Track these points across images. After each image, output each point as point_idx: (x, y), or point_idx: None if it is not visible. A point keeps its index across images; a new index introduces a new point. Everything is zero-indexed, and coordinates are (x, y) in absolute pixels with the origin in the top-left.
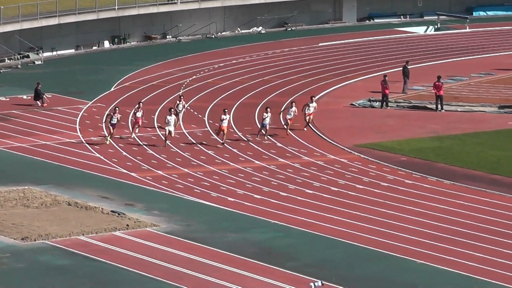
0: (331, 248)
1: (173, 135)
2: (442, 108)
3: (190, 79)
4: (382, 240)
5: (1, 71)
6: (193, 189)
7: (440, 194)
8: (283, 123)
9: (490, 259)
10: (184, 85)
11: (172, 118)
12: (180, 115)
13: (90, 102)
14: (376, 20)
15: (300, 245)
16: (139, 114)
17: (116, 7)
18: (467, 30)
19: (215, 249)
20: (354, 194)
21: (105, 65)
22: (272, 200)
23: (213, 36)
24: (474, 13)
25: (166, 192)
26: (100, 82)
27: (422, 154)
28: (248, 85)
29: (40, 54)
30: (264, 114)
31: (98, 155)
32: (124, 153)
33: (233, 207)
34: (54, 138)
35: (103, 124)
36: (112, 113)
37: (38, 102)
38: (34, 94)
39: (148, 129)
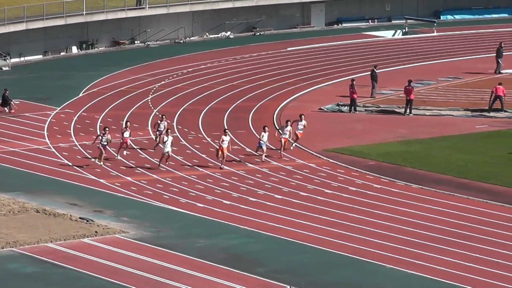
0: (301, 253)
1: (170, 155)
2: (410, 112)
3: (159, 84)
4: (351, 245)
5: None
6: (162, 195)
7: (408, 198)
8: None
9: (458, 263)
10: (152, 91)
11: (169, 139)
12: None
13: (58, 108)
14: (344, 25)
15: (269, 250)
16: (126, 134)
17: (84, 12)
18: (435, 34)
19: (185, 255)
20: (323, 199)
21: (73, 70)
22: (241, 206)
23: (182, 41)
24: (441, 17)
25: (135, 199)
26: (68, 88)
27: (390, 158)
28: (216, 90)
29: (7, 60)
30: (262, 133)
31: (66, 161)
32: (93, 159)
33: (203, 213)
34: (22, 144)
35: (97, 144)
36: (101, 134)
37: (5, 108)
38: (2, 100)
39: (116, 135)
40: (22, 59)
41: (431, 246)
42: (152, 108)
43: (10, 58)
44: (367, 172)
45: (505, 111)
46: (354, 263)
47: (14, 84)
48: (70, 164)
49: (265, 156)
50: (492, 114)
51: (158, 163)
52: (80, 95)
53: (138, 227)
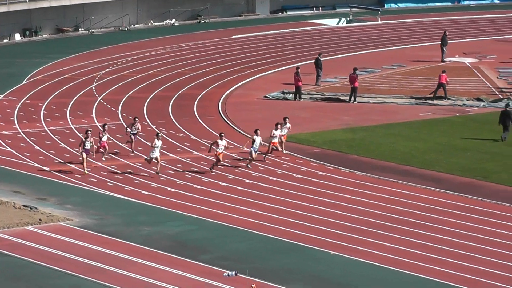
0: (245, 240)
1: (159, 160)
2: (355, 100)
3: (103, 72)
4: (296, 231)
5: None
6: (107, 182)
7: (353, 185)
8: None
9: (402, 249)
10: (97, 78)
11: (159, 144)
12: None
13: (1, 96)
14: (289, 12)
15: (214, 237)
16: (104, 138)
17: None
18: (379, 22)
19: (130, 243)
20: (268, 186)
21: (17, 58)
22: (186, 193)
23: (126, 29)
24: (385, 5)
25: (80, 186)
26: (11, 76)
27: (335, 146)
28: (161, 77)
29: None
30: (254, 137)
31: (10, 149)
32: (37, 147)
33: (147, 200)
34: None
35: (80, 150)
36: (84, 138)
37: None
38: None
39: (60, 122)
40: None
41: (375, 233)
42: (97, 95)
43: None
44: (312, 160)
45: (449, 99)
46: (298, 249)
47: None
48: (13, 151)
49: (250, 162)
50: (435, 101)
51: (156, 171)
52: (24, 82)
53: (82, 215)
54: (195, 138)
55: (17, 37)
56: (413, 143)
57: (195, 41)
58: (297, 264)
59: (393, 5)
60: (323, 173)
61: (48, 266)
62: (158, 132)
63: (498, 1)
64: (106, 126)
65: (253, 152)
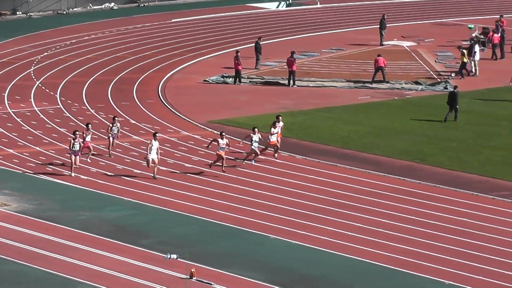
0: (185, 224)
1: (157, 162)
2: (294, 84)
3: (42, 55)
4: (235, 216)
5: None
6: (46, 167)
7: (292, 169)
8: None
9: (341, 232)
10: (35, 62)
11: (155, 144)
12: (115, 138)
13: None
14: None
15: (154, 222)
16: (88, 138)
17: None
18: (318, 5)
19: (69, 228)
20: (208, 170)
21: None
22: (126, 178)
23: (65, 12)
24: None
25: (17, 171)
26: None
27: None
28: (101, 61)
29: None
30: (252, 135)
31: None
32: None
33: (87, 185)
34: None
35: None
36: (73, 140)
37: None
38: None
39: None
40: None
41: (314, 216)
42: (35, 79)
43: None
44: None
45: (387, 82)
46: (238, 233)
47: None
48: None
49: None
50: (374, 85)
51: (152, 175)
52: None
53: (20, 200)
54: (134, 122)
55: None
56: (352, 126)
57: (134, 25)
58: (237, 248)
59: None
60: (263, 157)
61: None
62: (155, 132)
63: None
64: (89, 125)
65: (255, 149)
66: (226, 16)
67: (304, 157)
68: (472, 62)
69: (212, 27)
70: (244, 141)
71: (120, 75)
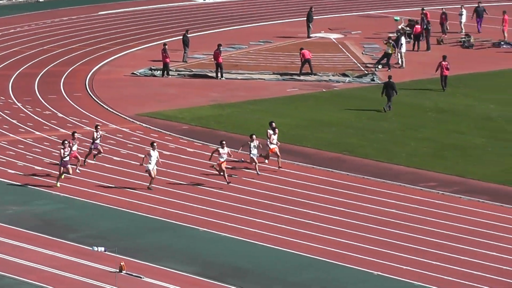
0: (114, 218)
1: (154, 174)
2: (222, 76)
3: None
4: (165, 209)
5: None
6: None
7: None
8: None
9: (270, 224)
10: None
11: (154, 155)
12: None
13: None
14: None
15: (82, 216)
16: (74, 148)
17: None
18: None
19: None
20: (136, 163)
21: None
22: (53, 171)
23: None
24: None
25: None
26: None
27: (204, 122)
28: (27, 54)
29: None
30: (249, 142)
31: None
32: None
33: (14, 179)
34: None
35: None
36: (62, 150)
37: None
38: None
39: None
40: None
41: (243, 208)
42: None
43: None
44: (181, 136)
45: (315, 74)
46: (168, 227)
47: None
48: None
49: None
50: (302, 77)
51: (147, 185)
52: None
53: None
54: (62, 115)
55: None
56: (280, 118)
57: (60, 17)
58: (167, 241)
59: None
60: (192, 150)
61: None
62: (153, 141)
63: None
64: (75, 134)
65: (254, 157)
66: (153, 9)
67: (232, 149)
68: (399, 54)
69: (140, 20)
70: (241, 150)
71: (47, 68)
